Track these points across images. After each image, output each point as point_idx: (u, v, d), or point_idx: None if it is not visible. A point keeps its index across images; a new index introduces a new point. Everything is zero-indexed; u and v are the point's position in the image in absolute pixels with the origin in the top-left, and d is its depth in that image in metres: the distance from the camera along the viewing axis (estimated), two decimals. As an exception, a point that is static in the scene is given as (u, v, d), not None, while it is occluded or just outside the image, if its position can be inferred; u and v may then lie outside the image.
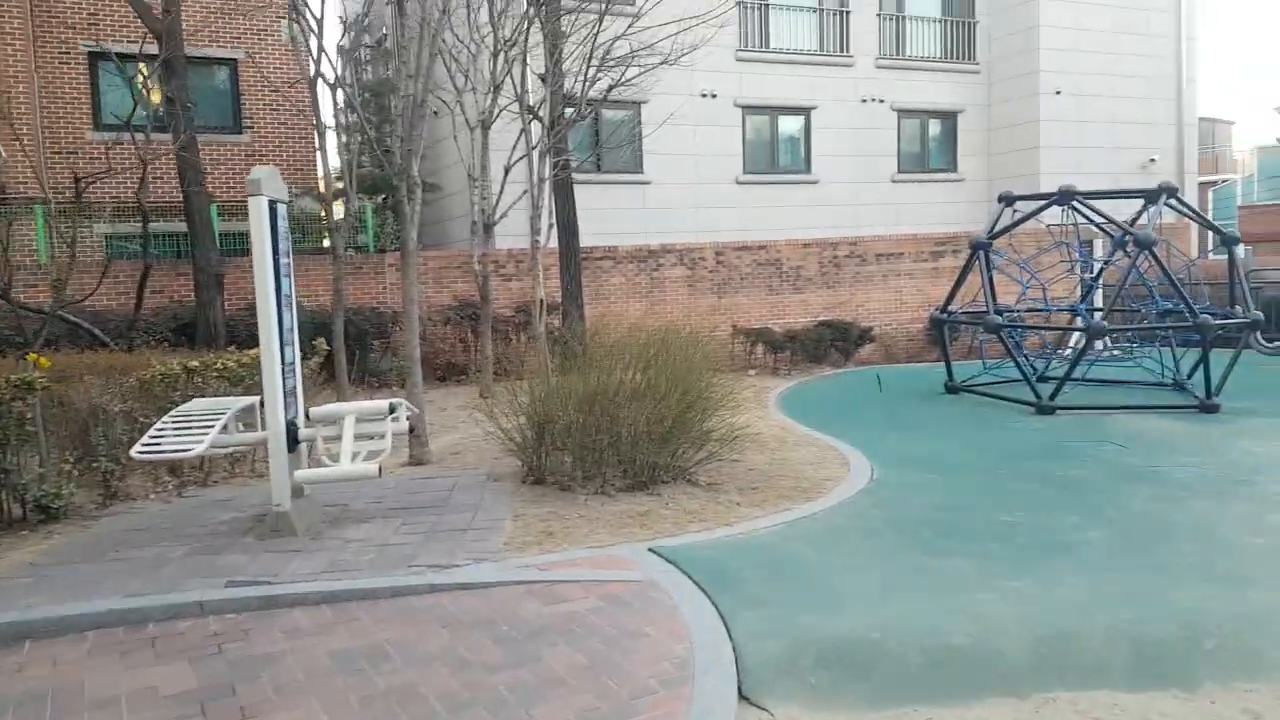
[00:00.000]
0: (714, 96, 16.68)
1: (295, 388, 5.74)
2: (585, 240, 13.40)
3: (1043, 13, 18.31)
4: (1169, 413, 9.98)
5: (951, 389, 11.86)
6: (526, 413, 6.61)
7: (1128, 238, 11.84)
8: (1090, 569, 5.08)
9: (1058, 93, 18.53)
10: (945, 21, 19.27)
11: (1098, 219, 10.53)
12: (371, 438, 5.59)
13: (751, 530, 5.75)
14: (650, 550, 5.26)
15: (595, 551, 5.23)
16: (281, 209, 5.75)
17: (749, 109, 17.50)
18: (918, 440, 9.05)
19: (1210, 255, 23.29)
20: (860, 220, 18.46)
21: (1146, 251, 9.85)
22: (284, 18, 9.06)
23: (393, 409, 5.64)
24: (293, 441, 5.55)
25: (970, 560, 5.24)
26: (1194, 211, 10.63)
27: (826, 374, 14.62)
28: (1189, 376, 11.29)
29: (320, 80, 9.35)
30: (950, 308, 11.95)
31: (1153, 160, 19.40)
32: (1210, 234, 15.67)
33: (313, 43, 8.93)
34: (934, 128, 19.48)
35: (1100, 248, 13.81)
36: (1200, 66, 20.23)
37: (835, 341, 15.63)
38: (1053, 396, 10.25)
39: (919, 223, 18.53)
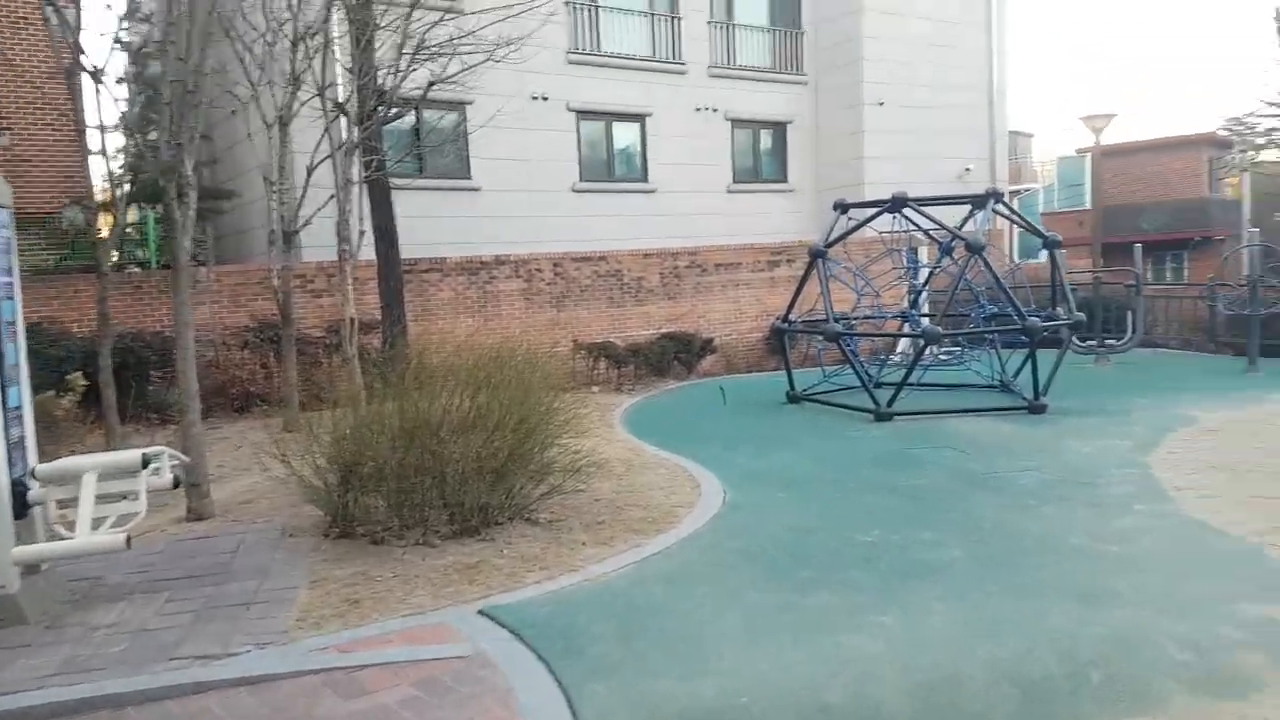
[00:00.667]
0: (545, 99, 16.02)
1: (24, 438, 4.59)
2: (409, 251, 12.40)
3: (865, 24, 18.77)
4: (1000, 414, 10.10)
5: (793, 398, 11.67)
6: (329, 452, 5.65)
7: (956, 243, 12.08)
8: (957, 594, 4.72)
9: (881, 104, 19.03)
10: (774, 31, 19.44)
11: (928, 225, 10.59)
12: (125, 496, 4.53)
13: (599, 575, 5.08)
14: (481, 613, 4.49)
15: (412, 621, 4.40)
16: (3, 215, 4.62)
17: (583, 114, 16.94)
18: (765, 454, 8.69)
19: (1021, 262, 24.69)
20: (699, 230, 18.26)
21: (977, 256, 9.94)
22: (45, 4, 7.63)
23: (147, 461, 4.59)
24: (20, 506, 4.42)
25: (834, 593, 4.78)
26: (1019, 216, 10.91)
27: (671, 387, 14.21)
28: (1014, 377, 11.57)
29: (84, 73, 7.99)
30: (790, 316, 11.76)
31: (968, 169, 20.28)
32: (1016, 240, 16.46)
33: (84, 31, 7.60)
34: (765, 138, 19.61)
35: (926, 254, 14.10)
36: (1010, 79, 21.40)
37: (678, 354, 15.26)
38: (890, 403, 10.18)
39: (754, 232, 18.54)
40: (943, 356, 11.30)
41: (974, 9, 20.38)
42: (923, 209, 10.53)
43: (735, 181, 18.91)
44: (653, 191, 17.91)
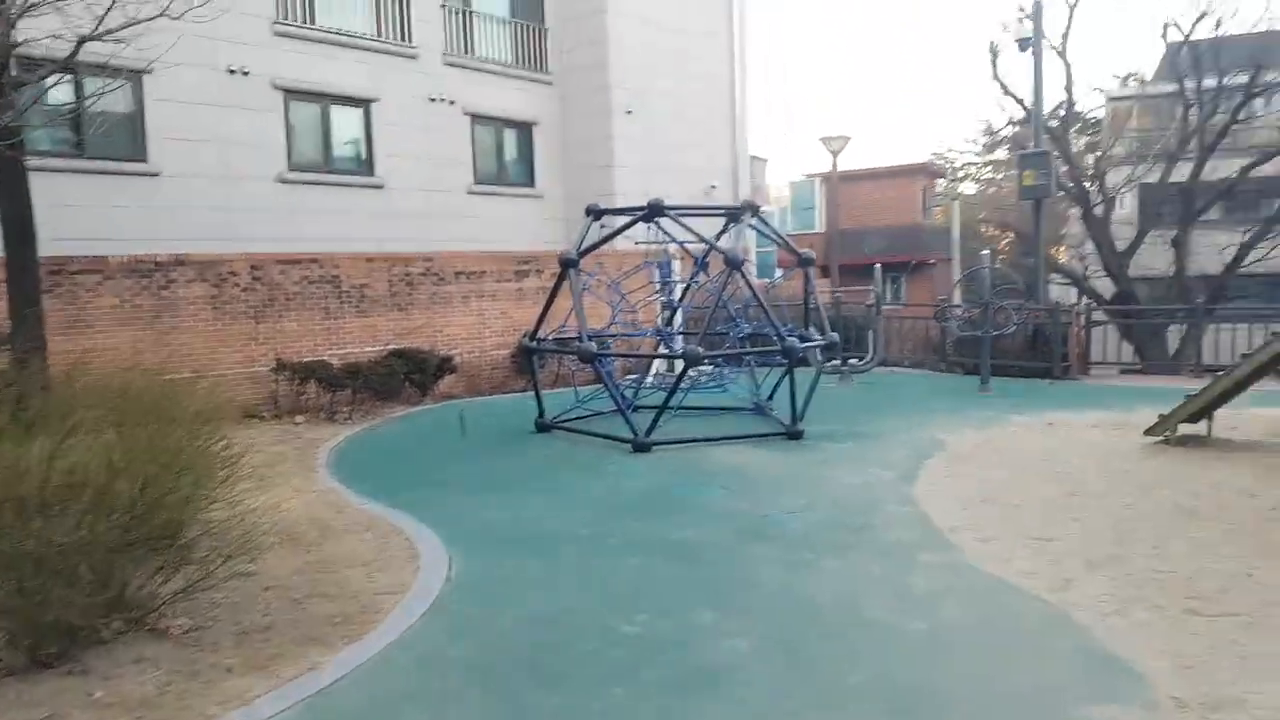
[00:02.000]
0: (245, 74, 13.60)
1: None
2: (62, 247, 9.77)
3: (611, 27, 17.95)
4: (759, 441, 9.37)
5: (543, 427, 10.36)
6: None
7: (708, 258, 11.33)
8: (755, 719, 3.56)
9: (629, 112, 18.29)
10: (515, 24, 18.14)
11: (688, 236, 9.72)
12: None
13: (244, 731, 3.41)
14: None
15: None
16: None
17: (293, 93, 14.64)
18: (509, 500, 7.28)
19: (778, 278, 25.10)
20: (435, 234, 16.51)
21: (735, 271, 9.15)
22: None
23: None
24: None
25: (594, 730, 3.45)
26: (774, 232, 10.35)
27: (399, 415, 12.39)
28: (769, 398, 11.00)
29: None
30: (539, 333, 10.44)
31: (714, 187, 20.09)
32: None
33: None
34: (510, 138, 18.24)
35: (679, 269, 13.38)
36: (752, 98, 21.59)
37: (410, 374, 13.45)
38: (649, 432, 9.14)
39: (500, 240, 17.11)
40: (702, 378, 10.46)
41: (717, 26, 20.26)
42: (680, 219, 9.63)
43: (478, 183, 17.36)
44: (380, 188, 15.94)
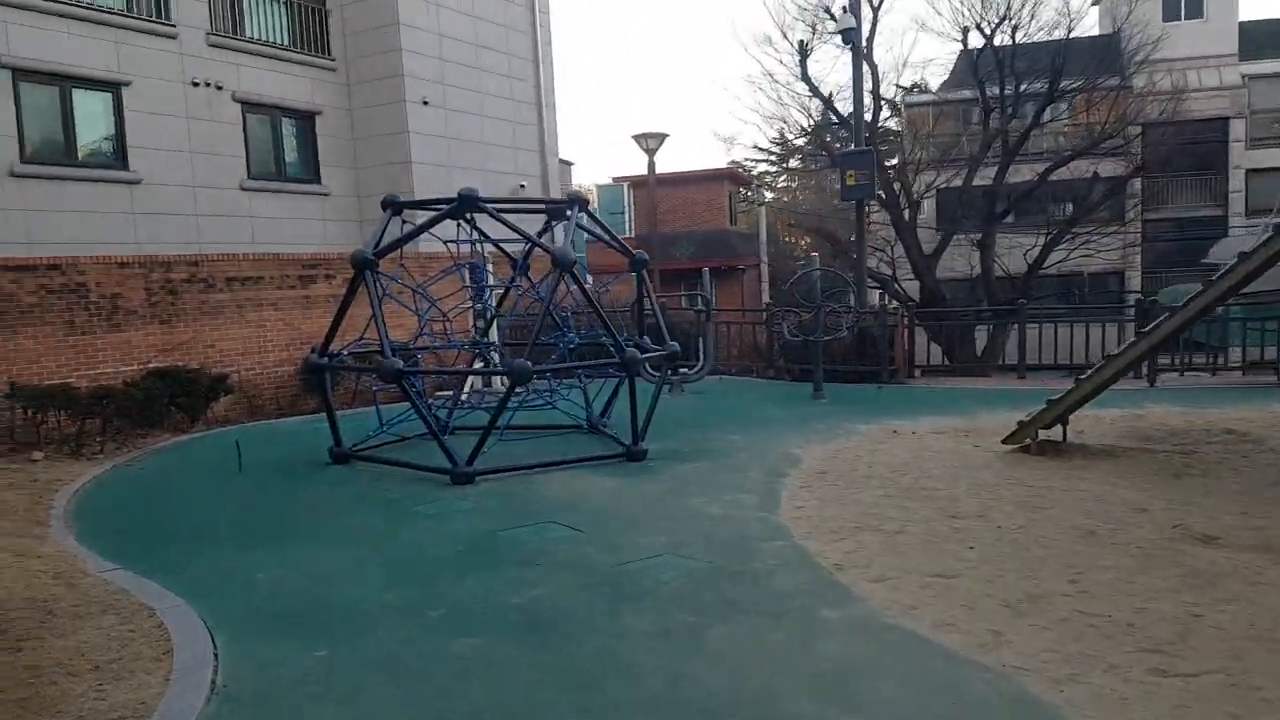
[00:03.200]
0: (-48, 42, 11.02)
1: None
2: None
3: (401, 9, 16.26)
4: (599, 466, 8.28)
5: (341, 457, 8.77)
6: None
7: (529, 259, 10.16)
8: None
9: (425, 103, 16.68)
10: (291, 3, 16.10)
11: (503, 235, 8.45)
12: None
13: None
14: None
15: None
16: None
17: (24, 73, 12.14)
18: (298, 556, 5.79)
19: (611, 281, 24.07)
20: (204, 235, 14.30)
21: (565, 274, 8.01)
22: None
23: None
24: None
25: None
26: (604, 229, 9.30)
27: (163, 445, 10.32)
28: (603, 415, 9.95)
29: None
30: (332, 348, 8.82)
31: (522, 186, 18.84)
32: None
33: None
34: (289, 129, 16.14)
35: (493, 273, 12.08)
36: (559, 94, 20.51)
37: (177, 397, 11.34)
38: (471, 460, 7.82)
39: (280, 242, 15.06)
40: (529, 396, 9.22)
41: (519, 19, 18.98)
42: (497, 215, 8.36)
43: (253, 178, 15.19)
44: (137, 183, 13.55)
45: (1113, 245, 21.64)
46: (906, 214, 19.24)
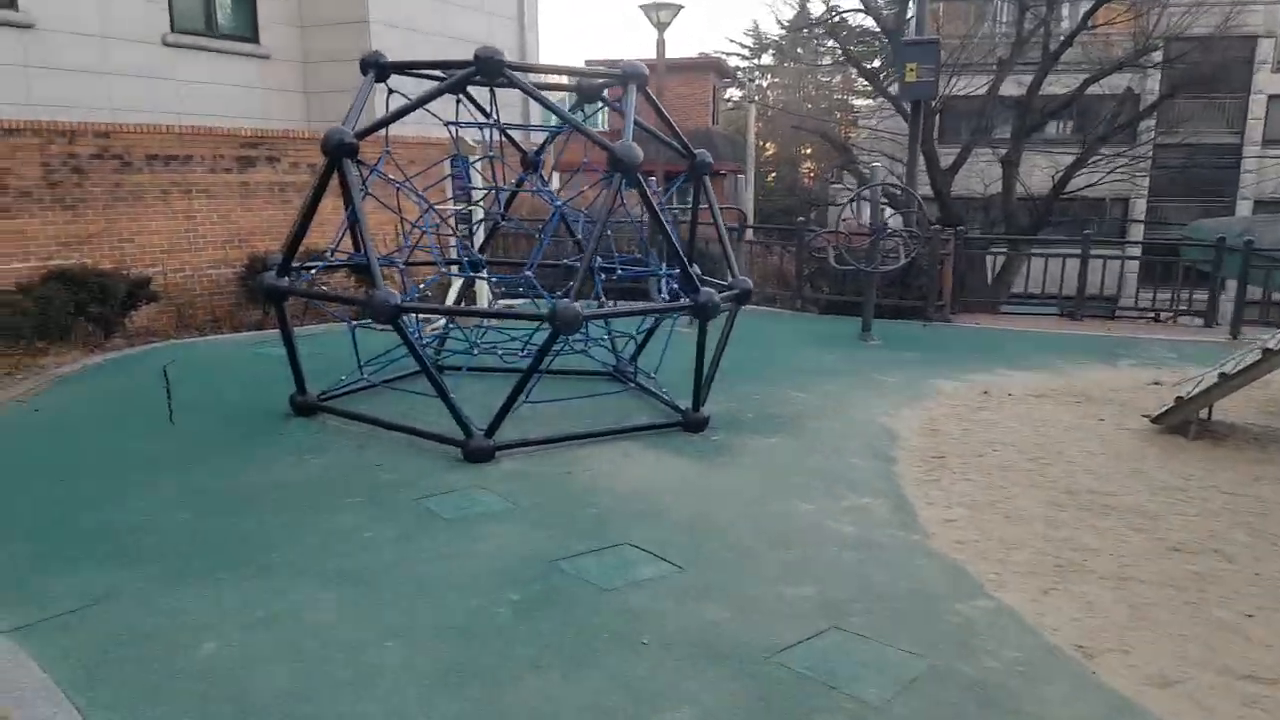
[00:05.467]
0: None
1: None
2: None
3: None
4: (651, 437, 6.36)
5: (305, 407, 6.68)
6: None
7: (544, 154, 8.01)
8: None
9: (386, -50, 13.85)
10: None
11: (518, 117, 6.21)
12: None
13: None
14: None
15: None
16: None
17: None
18: (253, 596, 3.83)
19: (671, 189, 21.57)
20: (117, 99, 11.61)
21: (627, 181, 5.89)
22: None
23: None
24: None
25: None
26: (661, 115, 7.12)
27: (68, 371, 8.05)
28: (633, 359, 8.02)
29: None
30: (295, 259, 6.57)
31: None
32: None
33: None
34: (224, -30, 13.23)
35: (481, 171, 9.81)
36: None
37: (85, 306, 9.01)
38: (492, 431, 5.85)
39: (211, 113, 12.42)
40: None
41: None
42: (530, 88, 6.13)
43: (176, 31, 12.38)
44: (27, 28, 10.72)
45: (1124, 170, 20.07)
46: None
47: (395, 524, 4.78)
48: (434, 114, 6.75)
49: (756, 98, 26.79)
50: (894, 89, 19.65)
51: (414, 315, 6.28)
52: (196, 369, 8.28)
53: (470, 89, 6.64)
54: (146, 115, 11.42)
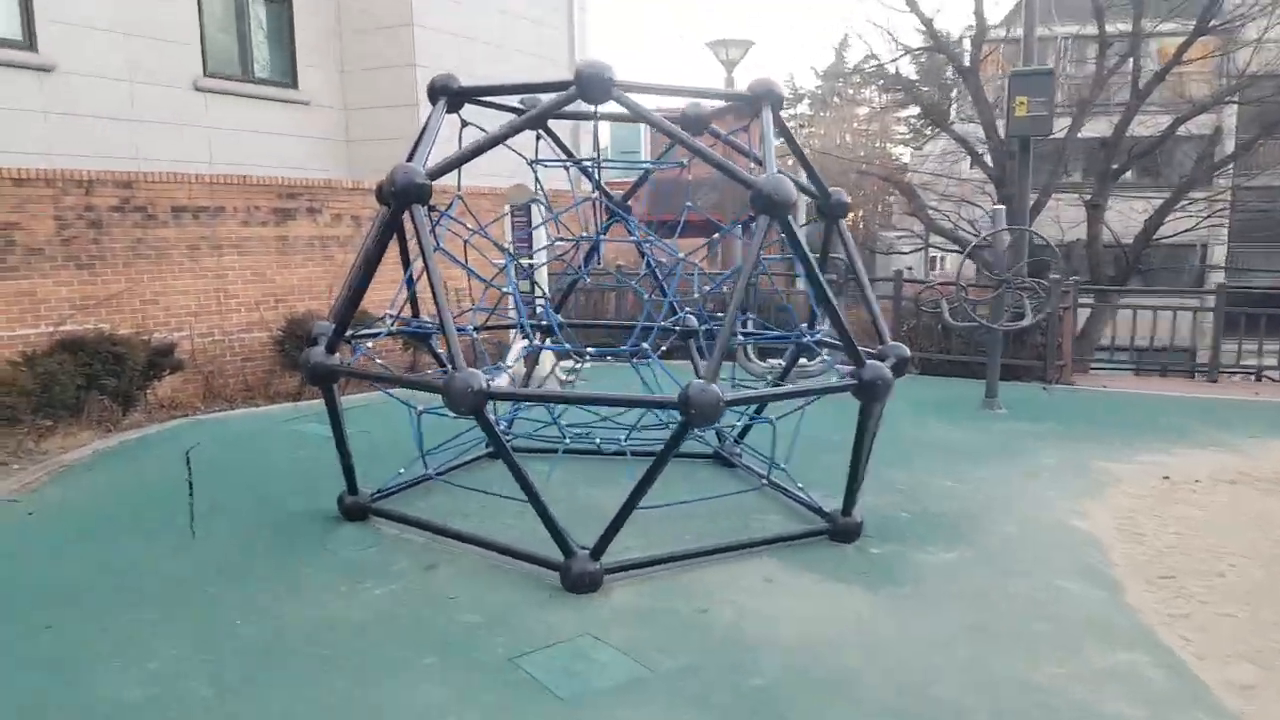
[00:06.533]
0: None
1: None
2: None
3: None
4: (792, 553, 5.00)
5: (356, 510, 5.40)
6: None
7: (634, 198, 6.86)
8: None
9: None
10: None
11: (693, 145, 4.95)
12: None
13: None
14: None
15: None
16: None
17: None
18: None
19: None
20: (145, 149, 10.59)
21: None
22: None
23: None
24: None
25: None
26: (792, 146, 5.90)
27: (73, 459, 6.84)
28: (740, 438, 6.68)
29: None
30: (351, 321, 5.31)
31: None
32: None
33: None
34: (259, 11, 12.32)
35: (541, 219, 8.64)
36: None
37: (100, 378, 7.84)
38: (599, 551, 4.50)
39: (245, 163, 11.40)
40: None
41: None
42: (634, 106, 4.91)
43: (210, 74, 11.42)
44: (49, 70, 9.77)
45: (1207, 214, 18.66)
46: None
47: (486, 705, 3.44)
48: (515, 150, 5.54)
49: (809, 144, 25.76)
50: (959, 128, 18.54)
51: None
52: (226, 453, 7.05)
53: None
54: (174, 165, 10.40)
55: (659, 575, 4.66)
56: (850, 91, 40.52)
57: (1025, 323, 8.80)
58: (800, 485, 5.57)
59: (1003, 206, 9.34)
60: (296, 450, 7.12)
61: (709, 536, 5.14)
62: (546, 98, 5.11)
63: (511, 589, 4.50)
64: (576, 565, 4.42)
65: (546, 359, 8.57)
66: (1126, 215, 18.40)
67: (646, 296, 6.61)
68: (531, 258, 8.64)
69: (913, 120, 34.32)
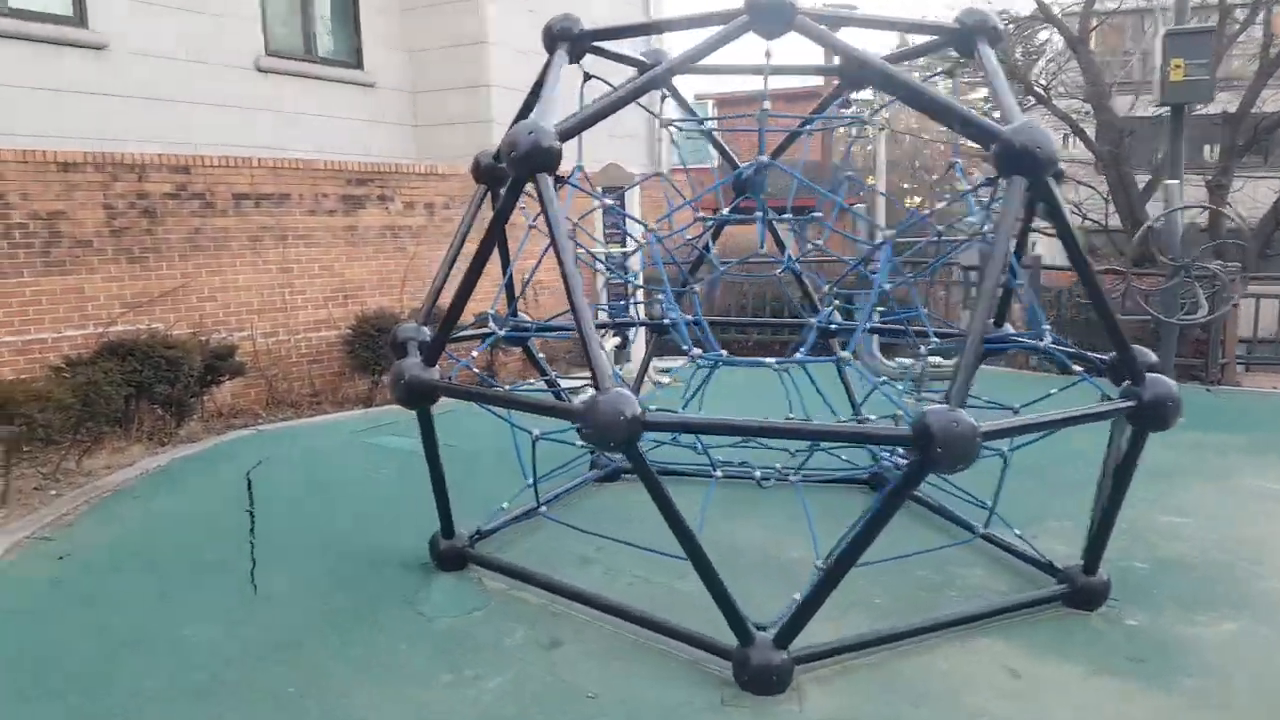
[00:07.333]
0: None
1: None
2: None
3: None
4: (1027, 631, 3.82)
5: (452, 557, 4.36)
6: None
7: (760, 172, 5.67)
8: None
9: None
10: None
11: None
12: None
13: None
14: None
15: None
16: None
17: None
18: None
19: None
20: (198, 132, 9.64)
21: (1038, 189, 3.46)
22: None
23: None
24: None
25: None
26: (996, 91, 4.69)
27: (119, 481, 5.93)
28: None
29: None
30: (451, 319, 4.24)
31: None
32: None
33: None
34: (323, -11, 11.36)
35: (636, 201, 7.50)
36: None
37: (152, 386, 6.93)
38: (788, 638, 3.39)
39: (309, 146, 10.46)
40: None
41: None
42: (820, 33, 3.74)
43: (271, 53, 10.50)
44: (101, 49, 8.89)
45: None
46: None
47: None
48: (645, 107, 4.43)
49: (885, 126, 24.27)
50: (1060, 102, 17.02)
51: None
52: (292, 474, 6.09)
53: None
54: (234, 150, 9.50)
55: (861, 664, 3.51)
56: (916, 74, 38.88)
57: (1210, 316, 7.45)
58: (1018, 532, 4.37)
59: (1176, 181, 7.96)
60: (374, 471, 6.13)
61: (903, 599, 3.99)
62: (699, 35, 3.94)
63: (667, 684, 3.40)
64: (757, 656, 3.31)
65: (635, 360, 7.49)
66: (1251, 196, 16.70)
67: (828, 288, 5.54)
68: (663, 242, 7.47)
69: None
